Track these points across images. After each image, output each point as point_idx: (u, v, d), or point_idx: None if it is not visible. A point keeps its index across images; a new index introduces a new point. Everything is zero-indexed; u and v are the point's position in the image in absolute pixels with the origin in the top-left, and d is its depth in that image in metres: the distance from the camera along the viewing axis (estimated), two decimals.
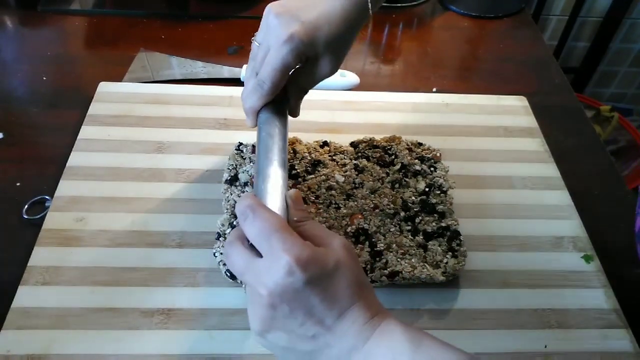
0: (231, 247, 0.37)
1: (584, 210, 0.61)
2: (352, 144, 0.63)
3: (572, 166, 0.66)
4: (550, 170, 0.65)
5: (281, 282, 0.33)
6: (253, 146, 0.61)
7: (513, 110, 0.73)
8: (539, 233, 0.58)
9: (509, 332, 0.50)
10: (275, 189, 0.41)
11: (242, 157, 0.59)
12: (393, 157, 0.61)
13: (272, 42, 0.44)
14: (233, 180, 0.57)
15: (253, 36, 0.48)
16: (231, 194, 0.55)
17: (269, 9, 0.45)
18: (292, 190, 0.41)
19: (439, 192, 0.58)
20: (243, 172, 0.57)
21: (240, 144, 0.61)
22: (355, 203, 0.56)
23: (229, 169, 0.57)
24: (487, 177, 0.64)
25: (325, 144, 0.62)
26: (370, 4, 0.45)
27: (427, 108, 0.72)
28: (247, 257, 0.36)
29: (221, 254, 0.50)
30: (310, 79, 0.48)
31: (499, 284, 0.54)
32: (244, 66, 0.74)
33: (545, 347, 0.49)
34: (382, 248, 0.52)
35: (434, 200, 0.57)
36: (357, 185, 0.58)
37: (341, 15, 0.45)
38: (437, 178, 0.59)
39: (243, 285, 0.37)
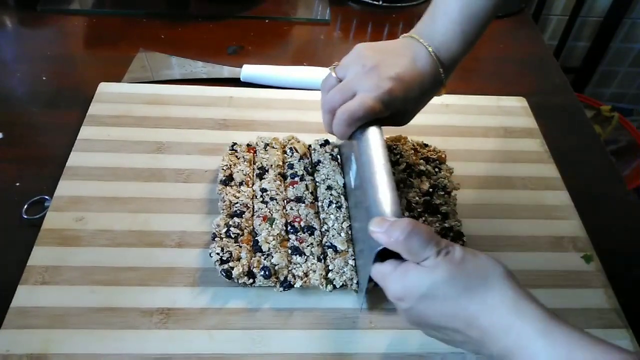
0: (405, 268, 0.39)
1: (584, 210, 0.61)
2: None
3: (572, 166, 0.66)
4: (550, 170, 0.65)
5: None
6: (248, 145, 0.61)
7: (513, 110, 0.73)
8: (539, 233, 0.58)
9: None
10: (388, 198, 0.44)
11: (236, 156, 0.59)
12: (398, 156, 0.61)
13: (367, 86, 0.47)
14: (228, 180, 0.56)
15: (333, 65, 0.51)
16: (227, 194, 0.55)
17: (364, 51, 0.50)
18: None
19: (442, 193, 0.58)
20: (238, 172, 0.57)
21: (234, 143, 0.61)
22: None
23: (223, 169, 0.57)
24: (487, 177, 0.64)
25: (326, 142, 0.62)
26: (443, 76, 0.51)
27: (426, 108, 0.71)
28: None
29: (217, 254, 0.50)
30: (383, 124, 0.51)
31: None
32: (244, 66, 0.74)
33: None
34: None
35: (437, 201, 0.57)
36: None
37: (427, 80, 0.50)
38: (441, 179, 0.59)
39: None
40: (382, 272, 0.41)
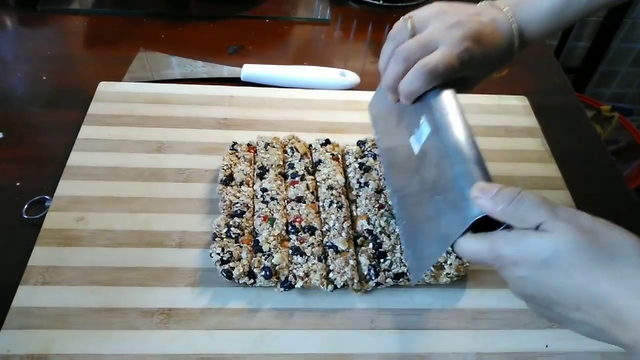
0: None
1: (584, 210, 0.61)
2: (359, 143, 0.62)
3: (572, 166, 0.66)
4: (550, 170, 0.65)
5: None
6: (248, 145, 0.61)
7: (514, 110, 0.73)
8: None
9: (511, 332, 0.50)
10: (478, 167, 0.42)
11: (236, 156, 0.59)
12: None
13: (448, 41, 0.45)
14: (228, 180, 0.56)
15: (406, 16, 0.50)
16: (227, 194, 0.55)
17: (444, 7, 0.48)
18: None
19: None
20: (238, 172, 0.57)
21: (235, 143, 0.60)
22: (362, 204, 0.56)
23: (223, 168, 0.57)
24: None
25: (327, 142, 0.62)
26: (516, 45, 0.50)
27: None
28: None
29: (218, 254, 0.50)
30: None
31: (501, 284, 0.53)
32: (245, 65, 0.74)
33: (547, 346, 0.49)
34: (387, 249, 0.52)
35: None
36: (362, 185, 0.57)
37: (504, 48, 0.49)
38: None
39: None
40: (490, 238, 0.37)
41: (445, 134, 0.43)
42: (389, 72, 0.47)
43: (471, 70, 0.47)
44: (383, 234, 0.53)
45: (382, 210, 0.55)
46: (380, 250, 0.52)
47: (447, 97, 0.45)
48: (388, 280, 0.50)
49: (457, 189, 0.40)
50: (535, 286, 0.35)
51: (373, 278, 0.50)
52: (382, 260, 0.51)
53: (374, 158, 0.60)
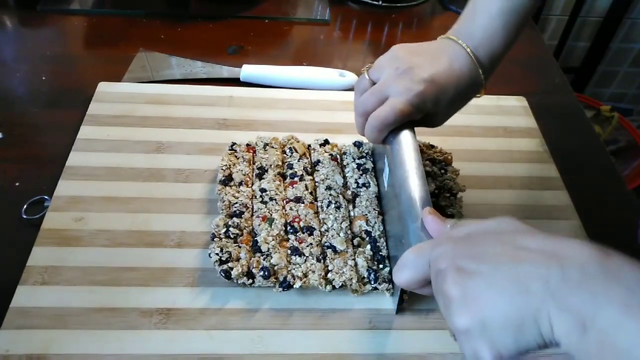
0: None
1: (584, 210, 0.61)
2: (356, 144, 0.62)
3: (572, 166, 0.66)
4: (549, 170, 0.65)
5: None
6: (247, 145, 0.61)
7: (513, 110, 0.73)
8: None
9: None
10: (419, 204, 0.44)
11: (235, 156, 0.59)
12: None
13: (399, 89, 0.47)
14: (227, 180, 0.56)
15: (367, 67, 0.51)
16: (226, 194, 0.55)
17: (398, 53, 0.49)
18: (426, 209, 0.42)
19: (448, 195, 0.57)
20: (237, 172, 0.57)
21: (234, 143, 0.61)
22: (361, 205, 0.56)
23: (222, 169, 0.57)
24: (487, 177, 0.64)
25: (326, 142, 0.62)
26: (483, 77, 0.50)
27: None
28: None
29: (216, 254, 0.50)
30: (416, 125, 0.51)
31: None
32: (244, 66, 0.74)
33: None
34: (385, 254, 0.52)
35: (443, 203, 0.56)
36: (360, 185, 0.57)
37: (464, 82, 0.49)
38: (447, 181, 0.58)
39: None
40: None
41: (397, 172, 0.47)
42: (356, 123, 0.51)
43: (431, 109, 0.49)
44: (382, 238, 0.53)
45: (381, 217, 0.55)
46: (380, 254, 0.52)
47: (403, 137, 0.49)
48: (388, 291, 0.50)
49: (403, 224, 0.44)
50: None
51: (372, 282, 0.50)
52: (381, 266, 0.51)
53: (372, 161, 0.60)
